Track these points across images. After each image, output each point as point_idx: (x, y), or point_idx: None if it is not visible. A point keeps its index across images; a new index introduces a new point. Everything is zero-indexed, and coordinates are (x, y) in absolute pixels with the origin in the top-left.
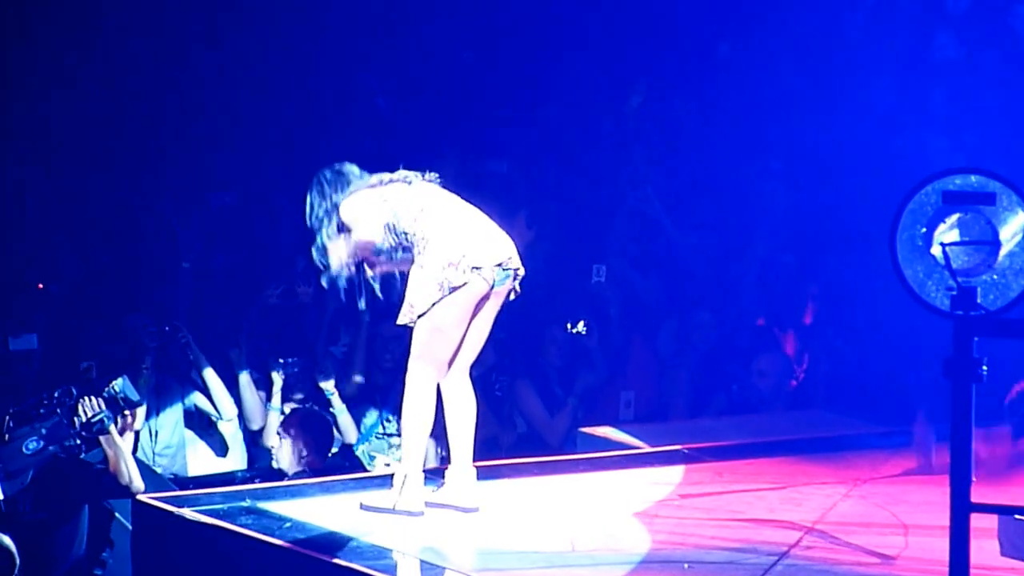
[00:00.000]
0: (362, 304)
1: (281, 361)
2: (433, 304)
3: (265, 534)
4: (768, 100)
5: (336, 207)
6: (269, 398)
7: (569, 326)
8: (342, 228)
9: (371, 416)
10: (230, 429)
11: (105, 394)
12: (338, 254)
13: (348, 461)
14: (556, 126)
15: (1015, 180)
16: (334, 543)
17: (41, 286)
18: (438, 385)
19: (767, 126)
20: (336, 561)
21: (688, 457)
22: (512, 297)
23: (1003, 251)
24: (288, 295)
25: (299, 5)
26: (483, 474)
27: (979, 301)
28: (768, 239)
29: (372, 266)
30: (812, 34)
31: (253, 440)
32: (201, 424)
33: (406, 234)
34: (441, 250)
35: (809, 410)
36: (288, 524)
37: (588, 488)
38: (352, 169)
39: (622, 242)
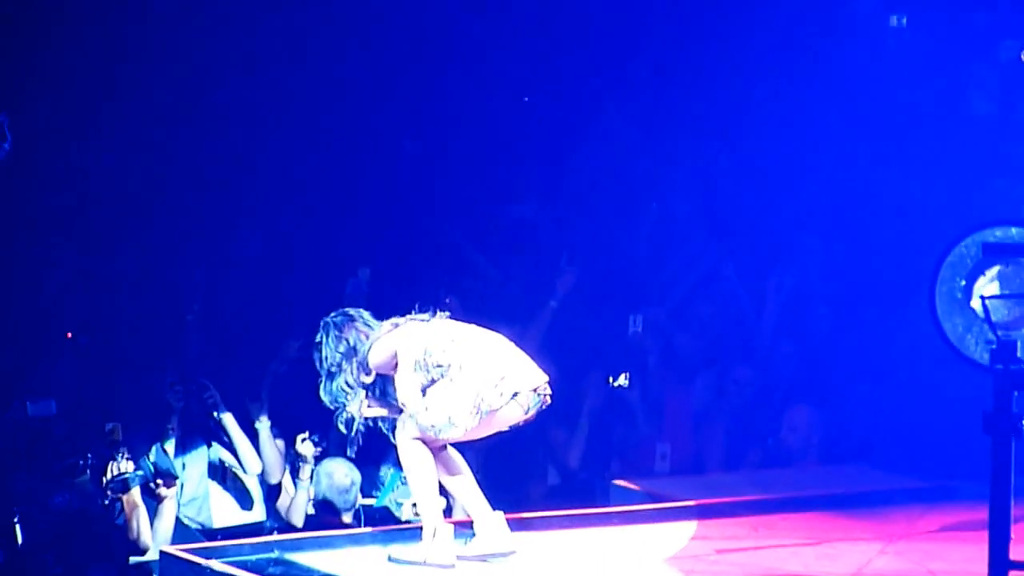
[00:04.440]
0: (351, 452)
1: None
2: (467, 424)
3: None
4: (803, 148)
5: (355, 350)
6: (295, 470)
7: (611, 379)
8: (367, 371)
9: (388, 468)
10: (254, 482)
11: (140, 463)
12: (360, 397)
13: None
14: (590, 174)
15: None
16: None
17: (69, 335)
18: None
19: (802, 175)
20: None
21: (723, 511)
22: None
23: None
24: (310, 347)
25: (324, 47)
26: (514, 526)
27: (1019, 355)
28: (805, 291)
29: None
30: (849, 82)
31: (270, 494)
32: (224, 476)
33: (440, 366)
34: (479, 373)
35: (845, 464)
36: None
37: (621, 541)
38: (361, 312)
39: (659, 292)
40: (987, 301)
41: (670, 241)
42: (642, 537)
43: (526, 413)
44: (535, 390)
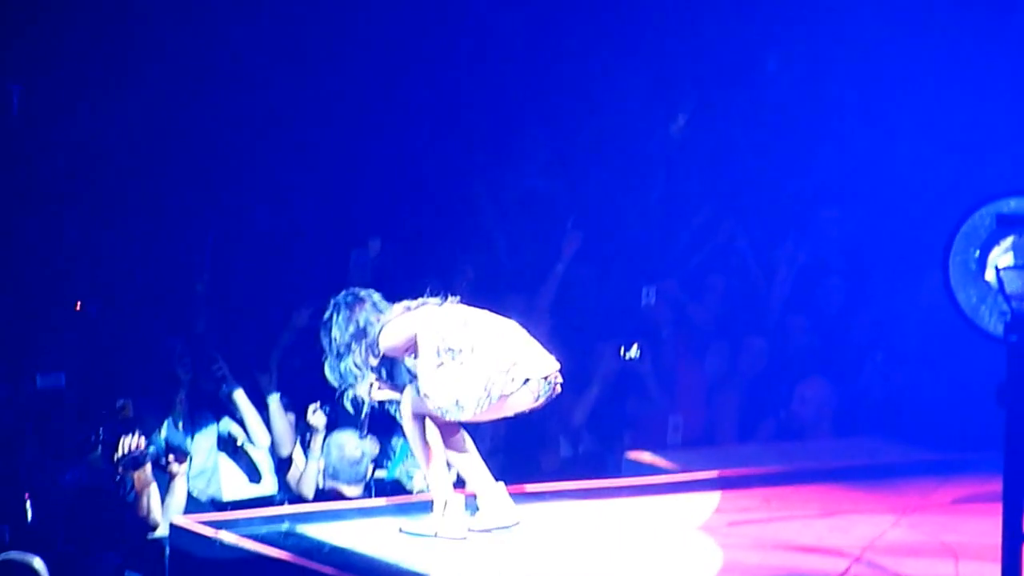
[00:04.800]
0: (363, 433)
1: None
2: (477, 407)
3: (304, 558)
4: (817, 119)
5: (364, 331)
6: (305, 441)
7: (622, 350)
8: (376, 354)
9: (399, 440)
10: (263, 456)
11: (151, 438)
12: (368, 379)
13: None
14: (604, 144)
15: None
16: (375, 568)
17: (79, 305)
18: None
19: (816, 146)
20: None
21: (735, 483)
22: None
23: None
24: (319, 317)
25: (336, 16)
26: (525, 498)
27: None
28: (818, 262)
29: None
30: (863, 52)
31: (281, 467)
32: (234, 449)
33: (452, 350)
34: (490, 358)
35: (859, 436)
36: (328, 549)
37: (633, 514)
38: (370, 292)
39: (673, 264)
40: (1001, 272)
41: (683, 212)
42: (653, 509)
43: (536, 400)
44: (546, 377)
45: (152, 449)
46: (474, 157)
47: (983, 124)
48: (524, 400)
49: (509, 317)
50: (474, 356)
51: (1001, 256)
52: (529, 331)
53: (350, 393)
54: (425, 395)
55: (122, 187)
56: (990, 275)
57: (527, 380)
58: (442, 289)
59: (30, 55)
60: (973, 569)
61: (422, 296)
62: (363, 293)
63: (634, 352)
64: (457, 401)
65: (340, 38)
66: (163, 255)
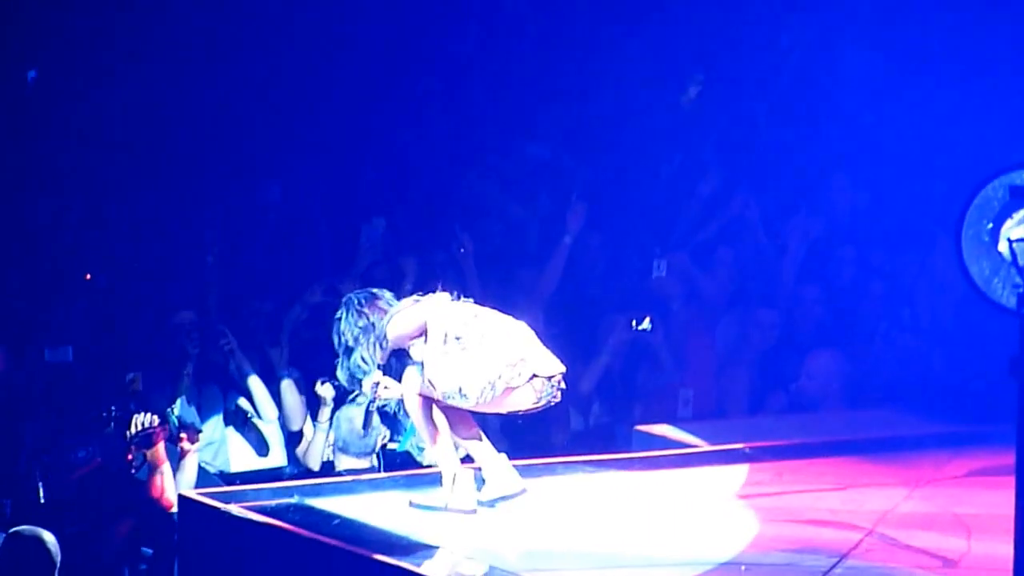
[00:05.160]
0: (367, 431)
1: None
2: (480, 397)
3: (314, 531)
4: (829, 91)
5: (373, 326)
6: (314, 413)
7: (634, 323)
8: (383, 346)
9: None
10: (271, 429)
11: (164, 415)
12: (374, 375)
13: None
14: (615, 115)
15: None
16: (384, 541)
17: (88, 276)
18: None
19: (828, 117)
20: (386, 560)
21: (747, 457)
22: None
23: None
24: (331, 292)
25: None
26: (535, 472)
27: None
28: (830, 234)
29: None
30: (875, 22)
31: (292, 440)
32: (242, 422)
33: (459, 339)
34: (499, 349)
35: (871, 409)
36: (337, 521)
37: (644, 487)
38: (384, 292)
39: (684, 236)
40: (1014, 244)
41: (694, 184)
42: (663, 483)
43: (536, 402)
44: (550, 378)
45: (165, 426)
46: (483, 130)
47: (997, 95)
48: (526, 398)
49: (518, 291)
50: (482, 346)
51: (1014, 228)
52: (539, 305)
53: (359, 389)
54: (430, 380)
55: (132, 161)
56: (1003, 247)
57: (533, 376)
58: (456, 287)
59: (43, 32)
60: (986, 542)
61: (433, 292)
62: (377, 291)
63: (645, 324)
64: (461, 388)
65: (349, 13)
66: (173, 229)
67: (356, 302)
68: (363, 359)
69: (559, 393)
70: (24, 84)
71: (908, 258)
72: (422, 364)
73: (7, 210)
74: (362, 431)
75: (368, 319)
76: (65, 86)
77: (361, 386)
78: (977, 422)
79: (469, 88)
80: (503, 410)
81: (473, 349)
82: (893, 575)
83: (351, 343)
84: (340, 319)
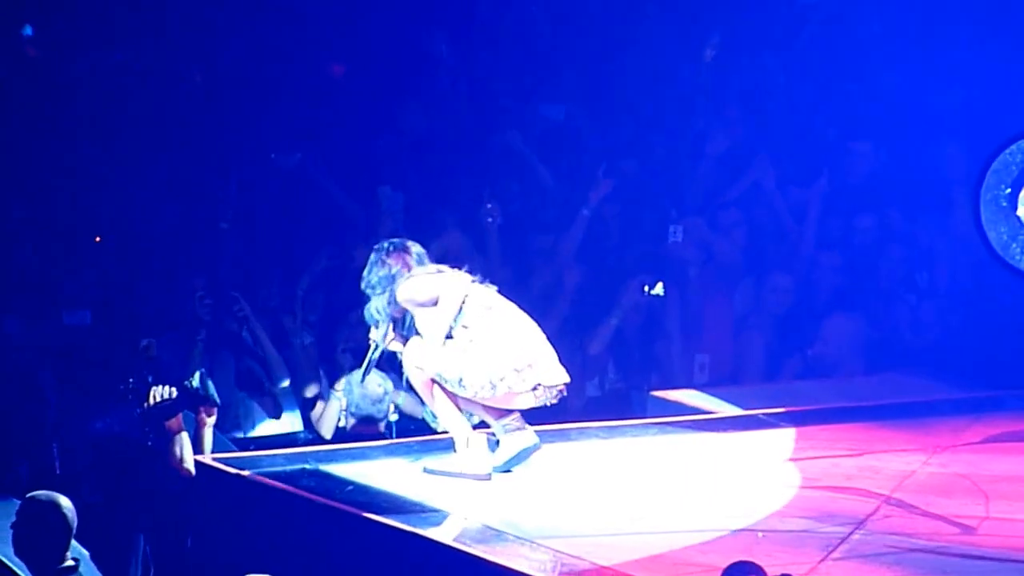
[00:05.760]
0: (364, 377)
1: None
2: (479, 392)
3: (328, 497)
4: (849, 55)
5: (393, 278)
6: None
7: (646, 288)
8: (395, 302)
9: None
10: (285, 395)
11: (183, 386)
12: (385, 327)
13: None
14: (634, 79)
15: None
16: (398, 507)
17: (98, 239)
18: None
19: (847, 81)
20: (400, 525)
21: (763, 422)
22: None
23: None
24: (337, 257)
25: None
26: (551, 437)
27: None
28: (848, 199)
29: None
30: None
31: (305, 406)
32: (254, 388)
33: (466, 328)
34: (508, 350)
35: (888, 374)
36: (351, 487)
37: (659, 453)
38: (414, 246)
39: (701, 201)
40: None
41: (713, 148)
42: (679, 448)
43: (536, 404)
44: (553, 386)
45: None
46: (501, 91)
47: (1016, 60)
48: (524, 401)
49: (536, 258)
50: (490, 342)
51: None
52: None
53: (372, 335)
54: (432, 361)
55: (147, 126)
56: (1021, 212)
57: (537, 386)
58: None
59: None
60: (1004, 507)
61: (460, 270)
62: (410, 243)
63: (658, 289)
64: (461, 379)
65: None
66: (188, 192)
67: (385, 249)
68: (377, 309)
69: (557, 398)
70: (22, 42)
71: (926, 222)
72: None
73: (22, 177)
74: (379, 392)
75: (391, 270)
76: (81, 51)
77: (374, 330)
78: (995, 387)
79: (485, 51)
80: (498, 404)
81: (480, 342)
82: (911, 542)
83: (368, 291)
84: (368, 264)
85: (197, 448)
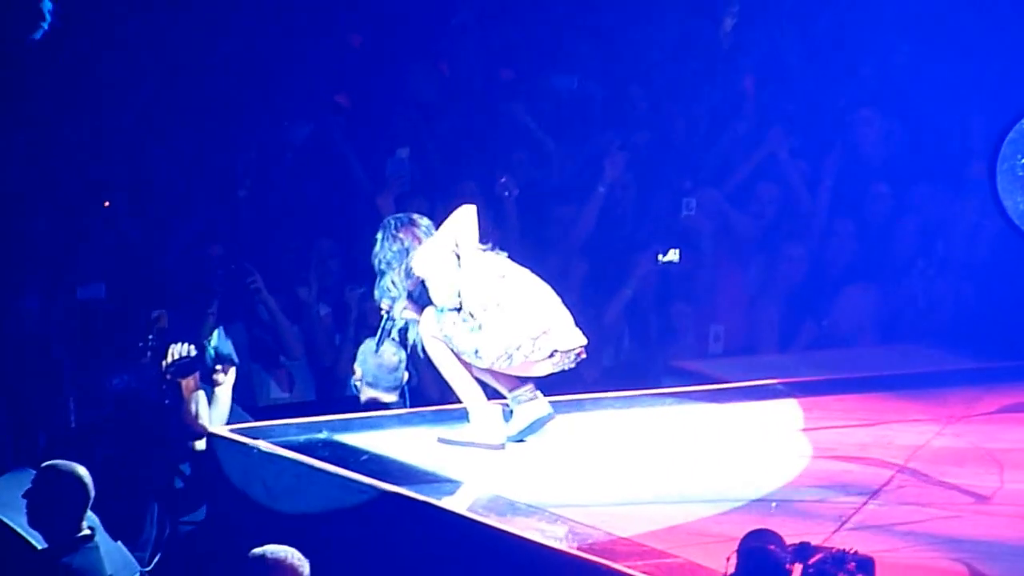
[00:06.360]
0: (377, 346)
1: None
2: (495, 362)
3: (342, 467)
4: (862, 25)
5: (406, 251)
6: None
7: (660, 256)
8: (411, 275)
9: None
10: (299, 365)
11: (200, 346)
12: (402, 301)
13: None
14: (648, 52)
15: None
16: (412, 476)
17: (107, 204)
18: None
19: (862, 52)
20: (414, 495)
21: (778, 392)
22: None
23: None
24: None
25: None
26: (565, 407)
27: None
28: (864, 169)
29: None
30: None
31: (322, 376)
32: (268, 358)
33: (479, 298)
34: (521, 320)
35: (903, 344)
36: (365, 457)
37: (674, 423)
38: (422, 219)
39: (717, 173)
40: None
41: (726, 120)
42: (694, 418)
43: (551, 371)
44: (571, 350)
45: (201, 356)
46: (514, 60)
47: None
48: (544, 368)
49: (551, 229)
50: (503, 311)
51: None
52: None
53: (384, 307)
54: (446, 333)
55: (163, 96)
56: None
57: (554, 352)
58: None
59: None
60: (1018, 477)
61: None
62: (416, 217)
63: (672, 256)
64: (477, 350)
65: None
66: (204, 163)
67: (393, 225)
68: (392, 283)
69: (576, 361)
70: (49, 21)
71: (942, 193)
72: (442, 309)
73: (35, 149)
74: (394, 362)
75: (403, 244)
76: (95, 24)
77: (388, 304)
78: (1010, 357)
79: (499, 20)
80: (516, 373)
81: (495, 312)
82: (925, 512)
83: (383, 266)
84: (377, 241)
85: (215, 409)
